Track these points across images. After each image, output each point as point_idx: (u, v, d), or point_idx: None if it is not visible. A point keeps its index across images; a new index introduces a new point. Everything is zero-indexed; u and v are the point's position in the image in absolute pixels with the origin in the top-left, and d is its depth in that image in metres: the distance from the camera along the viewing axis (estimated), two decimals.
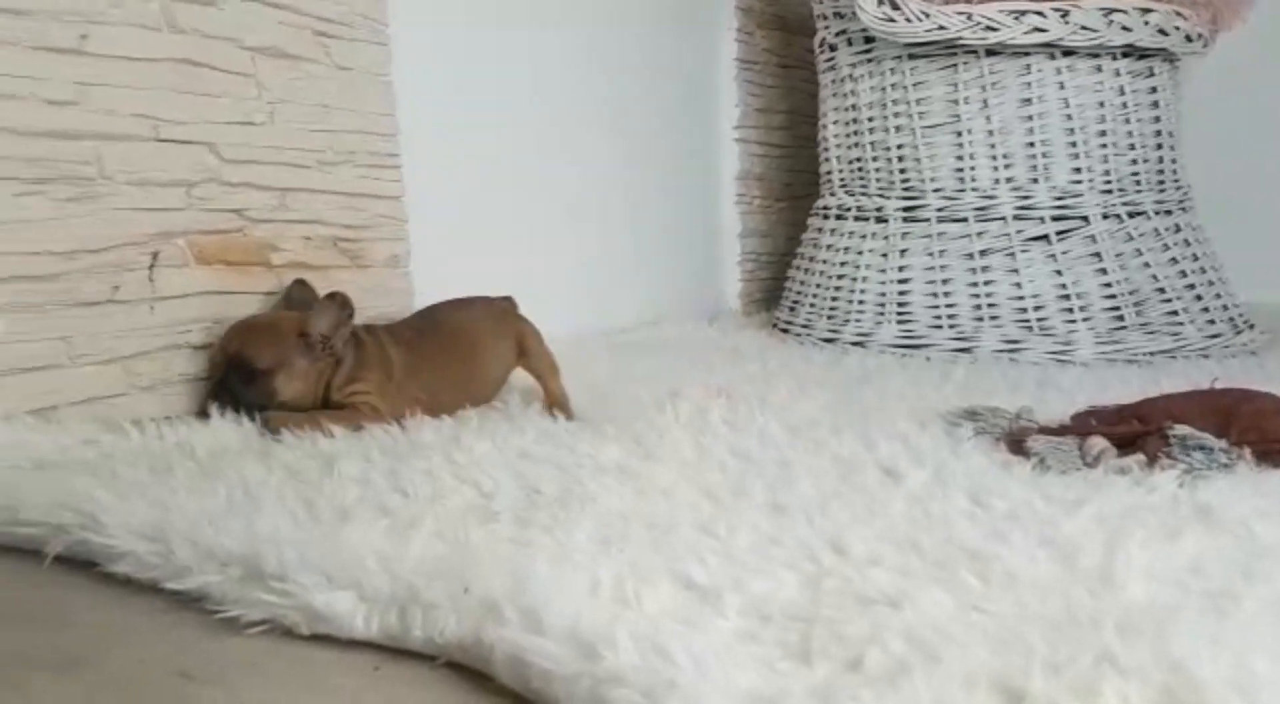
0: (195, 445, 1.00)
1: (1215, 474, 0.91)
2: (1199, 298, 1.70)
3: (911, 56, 1.75)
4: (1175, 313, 1.67)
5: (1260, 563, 0.71)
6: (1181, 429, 0.96)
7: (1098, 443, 0.96)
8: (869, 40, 1.79)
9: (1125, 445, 0.98)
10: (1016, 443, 1.02)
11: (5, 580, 0.75)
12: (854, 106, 1.86)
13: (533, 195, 1.72)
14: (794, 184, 2.43)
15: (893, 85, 1.78)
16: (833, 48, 1.89)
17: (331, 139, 1.32)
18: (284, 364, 1.08)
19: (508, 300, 1.34)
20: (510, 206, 1.66)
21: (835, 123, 1.93)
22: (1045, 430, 1.05)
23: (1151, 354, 1.61)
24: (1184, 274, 1.71)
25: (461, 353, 1.21)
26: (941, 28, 1.65)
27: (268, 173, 1.24)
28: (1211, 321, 1.69)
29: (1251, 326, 1.74)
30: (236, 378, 1.07)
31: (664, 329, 1.97)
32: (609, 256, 1.92)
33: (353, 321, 1.12)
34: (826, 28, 1.89)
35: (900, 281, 1.76)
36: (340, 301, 1.10)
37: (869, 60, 1.81)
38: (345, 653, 0.62)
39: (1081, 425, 1.07)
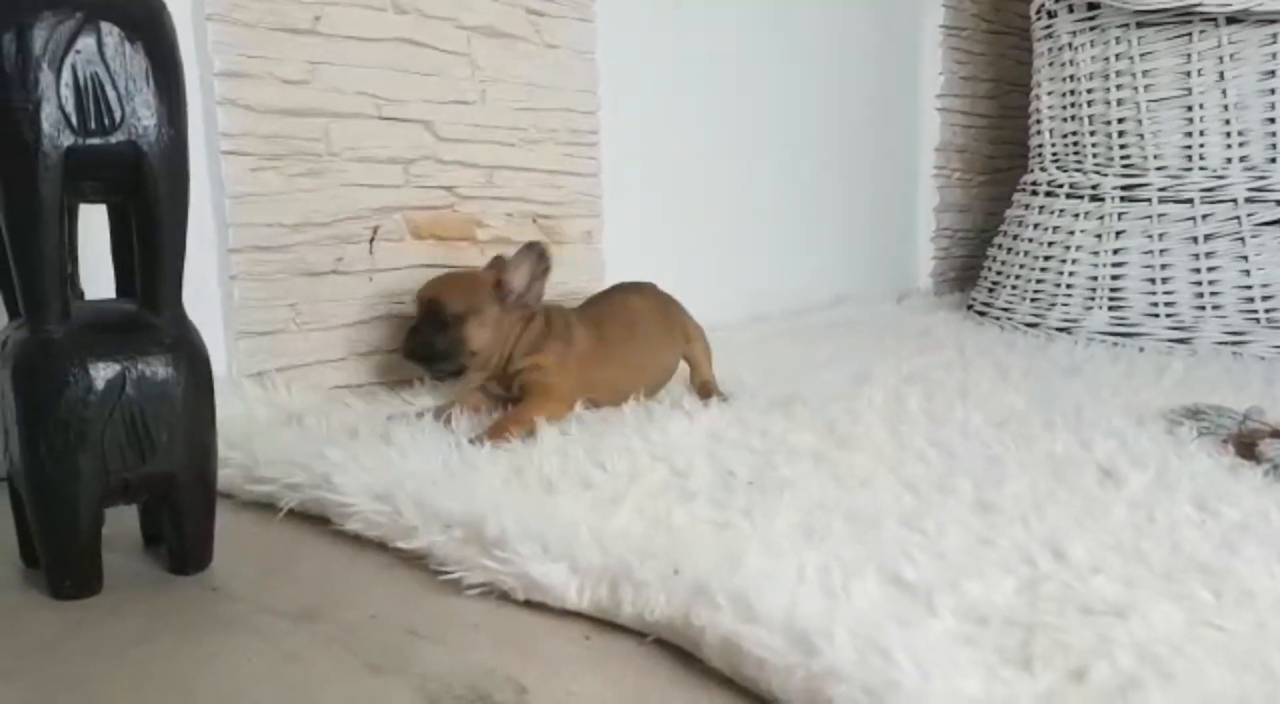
0: (409, 411, 1.06)
1: None
2: None
3: (1140, 24, 1.62)
4: None
5: None
6: None
7: None
8: (1092, 6, 1.67)
9: None
10: (1246, 446, 0.95)
11: (244, 534, 0.81)
12: (1072, 77, 1.75)
13: (722, 170, 1.71)
14: (997, 157, 2.32)
15: (1117, 55, 1.66)
16: (1051, 14, 1.78)
17: (536, 117, 1.36)
18: (476, 311, 1.06)
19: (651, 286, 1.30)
20: (700, 184, 1.67)
21: (1050, 94, 1.82)
22: (1278, 434, 0.97)
23: None
24: None
25: (641, 336, 1.19)
26: None
27: (477, 151, 1.30)
28: None
29: None
30: (430, 325, 1.07)
31: (849, 309, 1.93)
32: (793, 233, 1.89)
33: (548, 274, 1.11)
34: None
35: (1114, 265, 1.66)
36: (538, 252, 1.09)
37: (1092, 28, 1.70)
38: (558, 621, 0.65)
39: None
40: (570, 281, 1.42)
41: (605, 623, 0.64)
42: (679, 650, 0.61)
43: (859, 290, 2.01)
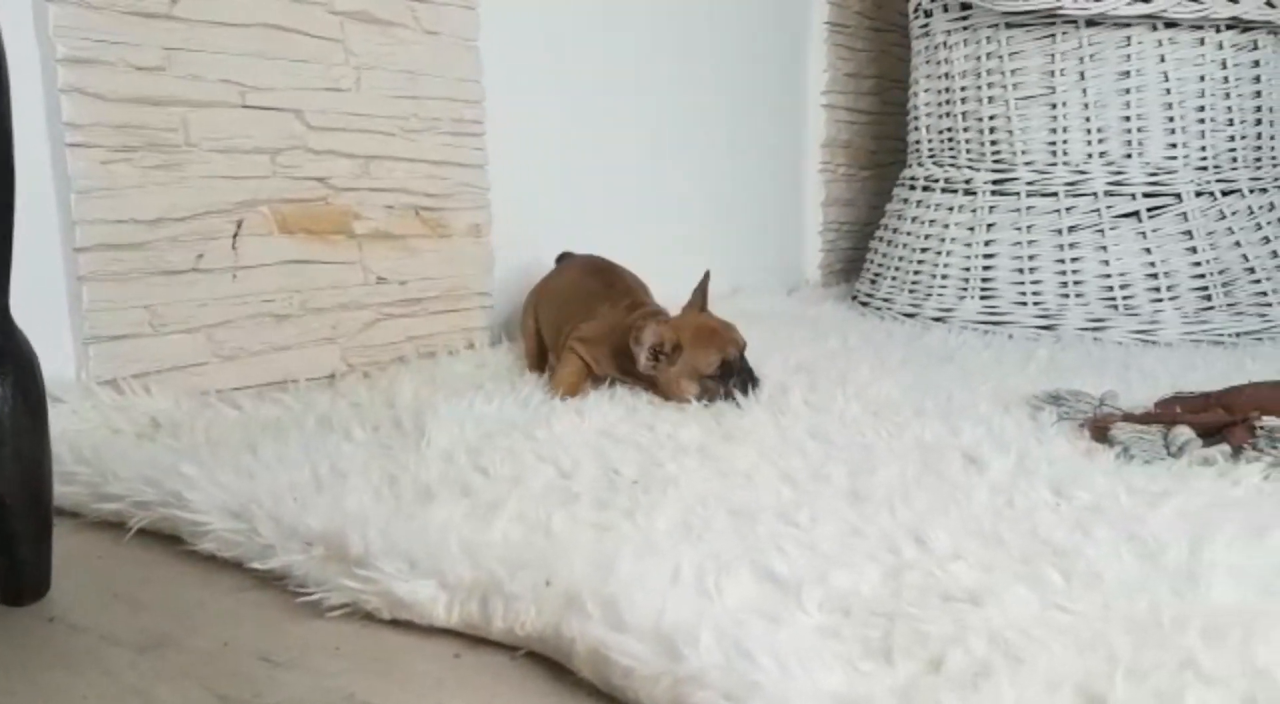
0: (281, 417, 1.02)
1: None
2: None
3: (1009, 25, 1.68)
4: (1264, 293, 1.60)
5: None
6: (1270, 420, 0.93)
7: (1183, 433, 0.93)
8: (965, 7, 1.73)
9: (1210, 435, 0.95)
10: (1100, 430, 0.99)
11: (89, 557, 0.76)
12: (947, 74, 1.81)
13: (612, 163, 1.71)
14: (880, 152, 2.38)
15: (988, 54, 1.72)
16: (928, 13, 1.84)
17: (417, 106, 1.33)
18: None
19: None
20: (590, 175, 1.66)
21: (927, 91, 1.88)
22: (1129, 418, 1.02)
23: (1238, 335, 1.55)
24: (1275, 254, 1.63)
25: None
26: None
27: (353, 140, 1.26)
28: None
29: None
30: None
31: (742, 301, 1.95)
32: (687, 226, 1.90)
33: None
34: None
35: (986, 256, 1.72)
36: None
37: (965, 28, 1.75)
38: (426, 640, 0.63)
39: (1166, 412, 1.04)
40: (457, 276, 1.39)
41: (476, 639, 0.63)
42: (552, 663, 0.60)
43: (753, 283, 2.03)
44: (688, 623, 0.56)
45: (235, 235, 1.15)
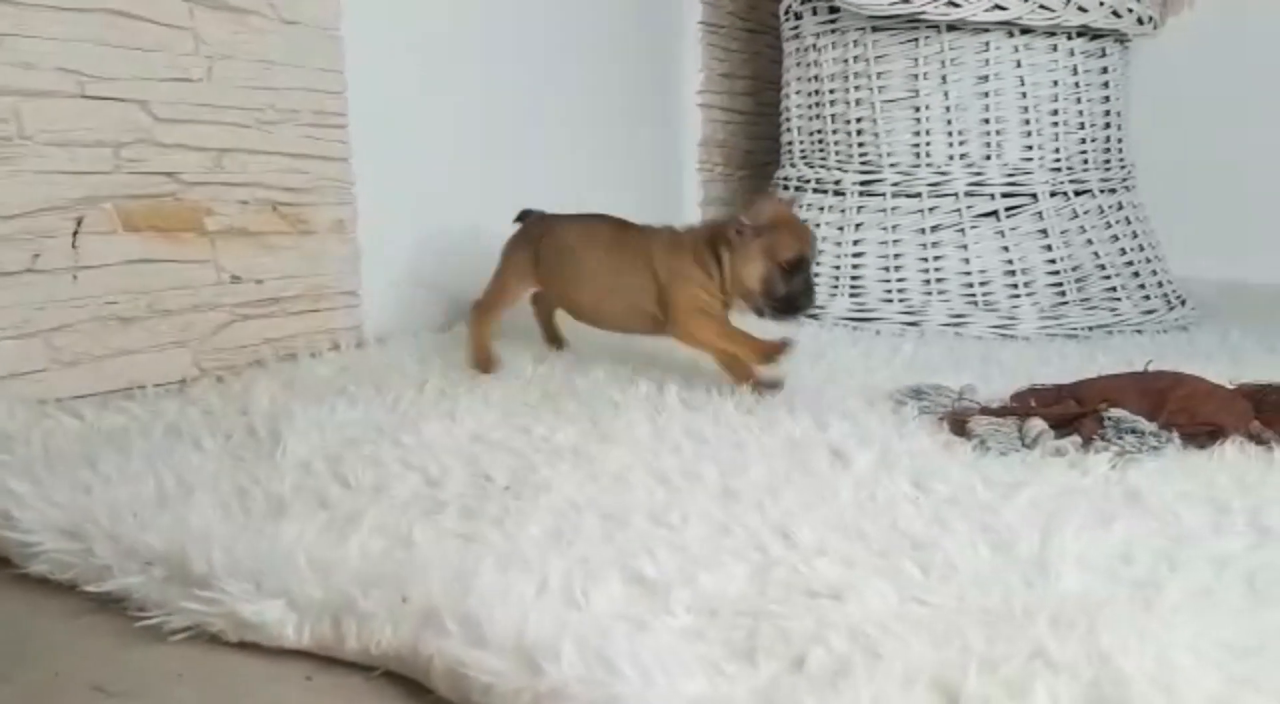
0: (126, 426, 0.96)
1: (1145, 457, 0.92)
2: (1136, 274, 1.73)
3: (875, 28, 1.73)
4: (1114, 289, 1.69)
5: (1183, 551, 0.72)
6: (1116, 412, 0.98)
7: (1036, 424, 0.98)
8: (834, 10, 1.77)
9: (1062, 426, 0.99)
10: (959, 423, 1.03)
11: None
12: (816, 77, 1.85)
13: (485, 158, 1.68)
14: (756, 152, 2.41)
15: (855, 57, 1.77)
16: (798, 15, 1.87)
17: (274, 97, 1.27)
18: None
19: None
20: (461, 170, 1.62)
21: (798, 93, 1.91)
22: (986, 411, 1.06)
23: (1090, 329, 1.63)
24: (1124, 251, 1.73)
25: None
26: (905, 0, 1.63)
27: (204, 133, 1.19)
28: (1147, 297, 1.72)
29: (1184, 302, 1.77)
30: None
31: None
32: None
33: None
34: None
35: (855, 255, 1.77)
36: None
37: (833, 30, 1.79)
38: (276, 662, 0.60)
39: (1021, 405, 1.08)
40: (320, 274, 1.34)
41: (329, 660, 0.60)
42: (409, 682, 0.58)
43: None
44: (549, 635, 0.55)
45: (75, 234, 1.07)
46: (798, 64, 1.90)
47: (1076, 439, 0.96)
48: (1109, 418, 0.98)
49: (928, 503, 0.83)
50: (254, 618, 0.60)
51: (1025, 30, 1.66)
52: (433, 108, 1.54)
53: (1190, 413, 1.01)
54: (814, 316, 1.17)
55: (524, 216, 1.35)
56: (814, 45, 1.84)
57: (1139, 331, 1.64)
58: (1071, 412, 1.03)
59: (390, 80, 1.44)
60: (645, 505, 0.81)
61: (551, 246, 1.27)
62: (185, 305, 1.18)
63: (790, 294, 1.12)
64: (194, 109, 1.18)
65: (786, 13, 1.90)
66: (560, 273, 1.27)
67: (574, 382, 1.24)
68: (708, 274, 1.17)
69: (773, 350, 1.12)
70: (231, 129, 1.22)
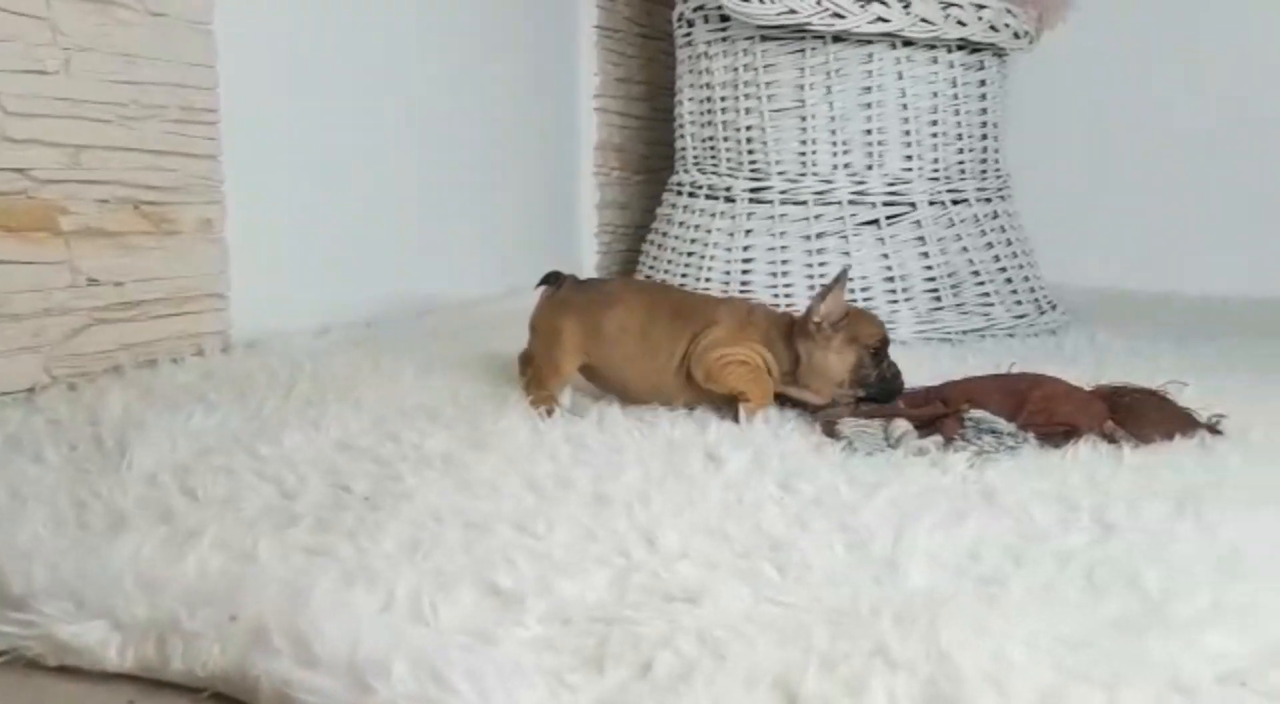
0: None
1: (1002, 456, 0.96)
2: (1009, 281, 1.80)
3: (764, 38, 1.76)
4: (987, 294, 1.76)
5: (1031, 547, 0.75)
6: (977, 412, 1.01)
7: (900, 425, 1.00)
8: (724, 19, 1.79)
9: (927, 427, 1.02)
10: (829, 425, 1.05)
11: None
12: (708, 84, 1.87)
13: (370, 160, 1.64)
14: (653, 156, 2.43)
15: (745, 66, 1.79)
16: (690, 23, 1.89)
17: (138, 92, 1.22)
18: None
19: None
20: (339, 169, 1.58)
21: (690, 100, 1.93)
22: (857, 412, 1.08)
23: (964, 333, 1.69)
24: (997, 258, 1.80)
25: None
26: (792, 11, 1.66)
27: (60, 128, 1.14)
28: (1019, 302, 1.79)
29: (1054, 307, 1.85)
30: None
31: (516, 302, 1.94)
32: (455, 226, 1.86)
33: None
34: (685, 2, 1.88)
35: (744, 261, 1.79)
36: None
37: (724, 39, 1.82)
38: (98, 686, 0.57)
39: (892, 407, 1.11)
40: (185, 276, 1.29)
41: (154, 683, 0.57)
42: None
43: (528, 283, 2.02)
44: (382, 652, 0.53)
45: None
46: (690, 71, 1.92)
47: (939, 439, 0.99)
48: (970, 418, 1.01)
49: (793, 504, 0.84)
50: (73, 640, 0.57)
51: (907, 43, 1.71)
52: (310, 104, 1.50)
53: (1048, 413, 1.05)
54: None
55: (551, 279, 1.21)
56: (705, 53, 1.86)
57: (1011, 335, 1.71)
58: (937, 412, 1.06)
59: (265, 75, 1.40)
60: (512, 513, 0.80)
61: (612, 326, 1.14)
62: (36, 309, 1.12)
63: (882, 376, 1.12)
64: (49, 103, 1.13)
65: (679, 20, 1.92)
66: (614, 356, 1.15)
67: (457, 388, 1.22)
68: (774, 357, 1.12)
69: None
70: (90, 124, 1.17)
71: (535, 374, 1.17)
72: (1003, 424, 1.00)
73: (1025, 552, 0.74)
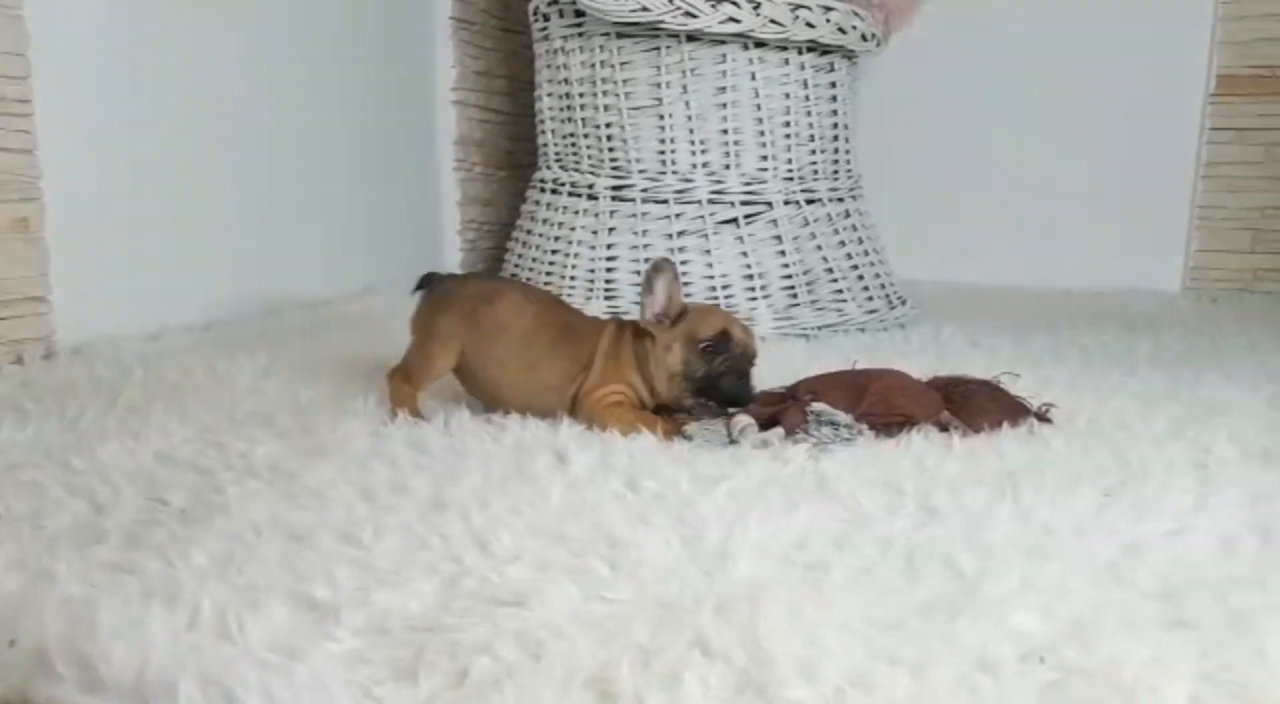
0: None
1: (839, 447, 0.98)
2: (861, 278, 1.86)
3: (620, 35, 1.76)
4: (841, 291, 1.81)
5: (855, 533, 0.77)
6: (817, 405, 1.04)
7: (741, 419, 1.02)
8: (580, 14, 1.78)
9: (771, 422, 1.04)
10: (679, 424, 1.05)
11: None
12: (566, 80, 1.86)
13: (205, 153, 1.57)
14: (518, 152, 2.40)
15: (602, 62, 1.79)
16: (546, 17, 1.87)
17: None
18: None
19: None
20: (176, 165, 1.51)
21: (550, 95, 1.92)
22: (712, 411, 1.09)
23: (819, 329, 1.74)
24: (850, 256, 1.86)
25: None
26: (644, 8, 1.67)
27: None
28: (870, 298, 1.85)
29: (904, 302, 1.92)
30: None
31: (373, 301, 1.89)
32: (302, 223, 1.80)
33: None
34: None
35: (608, 259, 1.79)
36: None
37: (580, 34, 1.81)
38: None
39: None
40: (3, 278, 1.20)
41: None
42: None
43: (389, 282, 1.97)
44: (172, 673, 0.51)
45: None
46: (548, 66, 1.91)
47: (781, 432, 1.01)
48: (811, 411, 1.04)
49: (635, 501, 0.84)
50: None
51: (759, 44, 1.75)
52: (136, 94, 1.42)
53: (887, 404, 1.09)
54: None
55: (427, 282, 1.17)
56: (562, 48, 1.85)
57: (862, 330, 1.77)
58: (782, 407, 1.08)
59: (84, 64, 1.31)
60: (339, 523, 0.77)
61: (491, 322, 1.11)
62: None
63: (711, 374, 1.05)
64: None
65: (535, 13, 1.90)
66: (491, 351, 1.11)
67: (297, 393, 1.18)
68: (639, 373, 1.09)
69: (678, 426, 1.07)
70: None
71: (404, 370, 1.12)
72: (841, 416, 1.03)
73: (850, 538, 0.76)
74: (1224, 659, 0.58)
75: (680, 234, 1.76)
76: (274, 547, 0.72)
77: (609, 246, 1.80)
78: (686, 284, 1.74)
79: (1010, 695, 0.54)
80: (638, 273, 1.77)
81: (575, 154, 1.87)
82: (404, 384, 1.11)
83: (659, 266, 1.07)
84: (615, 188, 1.81)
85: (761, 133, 1.78)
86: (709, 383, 1.05)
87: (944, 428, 1.07)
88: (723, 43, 1.74)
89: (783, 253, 1.77)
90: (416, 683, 0.54)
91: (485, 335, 1.10)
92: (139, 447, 0.92)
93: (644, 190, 1.79)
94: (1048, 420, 1.12)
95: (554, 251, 1.87)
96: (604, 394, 1.07)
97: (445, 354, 1.11)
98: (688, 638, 0.58)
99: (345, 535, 0.75)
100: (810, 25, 1.75)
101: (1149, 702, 0.54)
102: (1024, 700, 0.54)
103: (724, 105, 1.76)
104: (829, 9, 1.76)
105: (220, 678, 0.50)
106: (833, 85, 1.87)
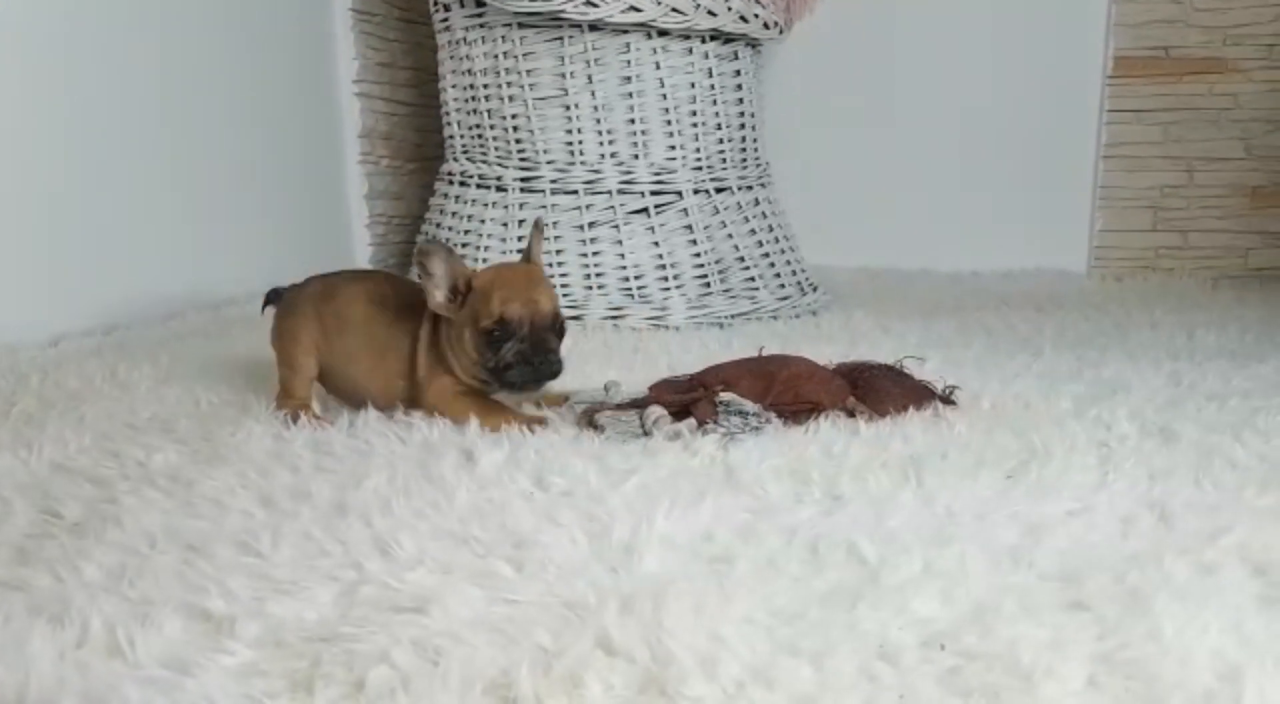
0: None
1: (747, 436, 0.99)
2: (773, 265, 1.88)
3: (522, 25, 1.74)
4: (752, 279, 1.83)
5: (761, 522, 0.78)
6: (726, 395, 1.04)
7: (653, 411, 1.02)
8: (480, 4, 1.75)
9: (684, 412, 1.04)
10: (588, 416, 1.05)
11: None
12: (470, 71, 1.83)
13: (100, 151, 1.50)
14: (426, 145, 2.36)
15: (505, 53, 1.76)
16: (446, 8, 1.84)
17: None
18: None
19: None
20: (70, 164, 1.44)
21: (454, 87, 1.88)
22: (620, 406, 1.09)
23: (732, 317, 1.75)
24: (761, 244, 1.87)
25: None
26: None
27: None
28: (782, 286, 1.87)
29: (815, 289, 1.95)
30: (555, 339, 1.01)
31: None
32: (203, 222, 1.74)
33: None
34: None
35: (519, 251, 1.77)
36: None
37: (481, 25, 1.78)
38: None
39: (655, 395, 1.12)
40: None
41: None
42: None
43: (295, 280, 1.91)
44: (52, 692, 0.49)
45: None
46: (451, 57, 1.87)
47: (692, 423, 1.01)
48: (721, 401, 1.04)
49: (543, 499, 0.84)
50: None
51: (662, 33, 1.74)
52: (26, 88, 1.35)
53: (794, 392, 1.10)
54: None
55: (273, 298, 1.15)
56: (464, 39, 1.82)
57: (775, 317, 1.78)
58: (693, 397, 1.08)
59: None
60: (236, 532, 0.75)
61: (333, 317, 1.09)
62: None
63: (499, 366, 1.00)
64: None
65: (436, 5, 1.87)
66: (340, 347, 1.09)
67: (198, 397, 1.14)
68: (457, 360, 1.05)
69: (533, 421, 1.04)
70: None
71: (281, 388, 1.10)
72: (749, 405, 1.03)
73: (755, 528, 0.76)
74: (1120, 640, 0.58)
75: (591, 225, 1.75)
76: (168, 558, 0.69)
77: (519, 239, 1.78)
78: (600, 275, 1.74)
79: (910, 683, 0.55)
80: (549, 265, 1.75)
81: (482, 146, 1.85)
82: (288, 400, 1.09)
83: (425, 249, 1.01)
84: (523, 179, 1.79)
85: (669, 122, 1.78)
86: (498, 375, 1.02)
87: (851, 414, 1.09)
88: (626, 32, 1.73)
89: (694, 242, 1.77)
90: (312, 694, 0.53)
91: (331, 331, 1.09)
92: (33, 457, 0.88)
93: (553, 181, 1.77)
94: (952, 403, 1.14)
95: (464, 245, 1.84)
96: (444, 384, 1.05)
97: (305, 355, 1.09)
98: (591, 638, 0.58)
99: (242, 544, 0.72)
100: (712, 14, 1.75)
101: (1047, 685, 0.54)
102: (924, 688, 0.54)
103: (630, 95, 1.76)
104: None
105: (104, 697, 0.48)
106: (737, 73, 1.88)
